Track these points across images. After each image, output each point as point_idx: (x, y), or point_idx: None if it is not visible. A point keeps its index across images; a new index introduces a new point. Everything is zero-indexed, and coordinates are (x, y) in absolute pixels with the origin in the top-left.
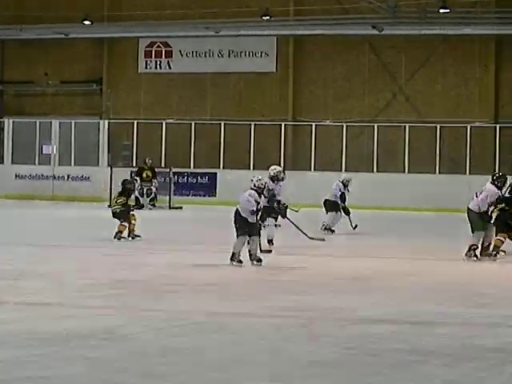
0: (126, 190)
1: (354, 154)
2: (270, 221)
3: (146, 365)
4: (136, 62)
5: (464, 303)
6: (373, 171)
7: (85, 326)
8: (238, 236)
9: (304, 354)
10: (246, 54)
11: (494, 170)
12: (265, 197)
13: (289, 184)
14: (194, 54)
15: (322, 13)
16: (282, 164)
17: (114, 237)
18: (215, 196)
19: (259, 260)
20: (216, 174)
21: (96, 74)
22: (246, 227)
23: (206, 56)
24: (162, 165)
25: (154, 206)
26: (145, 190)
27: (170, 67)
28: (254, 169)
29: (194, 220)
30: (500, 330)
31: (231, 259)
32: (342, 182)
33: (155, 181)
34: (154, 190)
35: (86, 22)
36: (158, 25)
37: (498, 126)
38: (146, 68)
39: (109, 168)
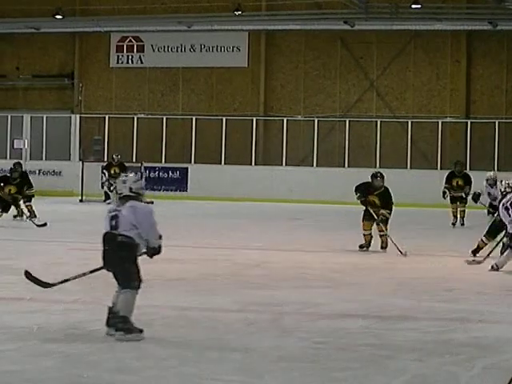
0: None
1: (326, 149)
2: None
3: (117, 359)
4: (108, 56)
5: (434, 298)
6: (344, 166)
7: (56, 321)
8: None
9: (274, 349)
10: (217, 49)
11: (466, 165)
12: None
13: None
14: (166, 48)
15: (294, 8)
16: (253, 159)
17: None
18: (186, 191)
19: None
20: (187, 168)
21: (67, 68)
22: None
23: (177, 51)
24: (134, 159)
25: None
26: (113, 185)
27: (141, 62)
28: (225, 163)
29: (164, 215)
30: (470, 324)
31: None
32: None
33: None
34: None
35: (58, 17)
36: (129, 19)
37: (469, 122)
38: (118, 62)
39: (80, 162)
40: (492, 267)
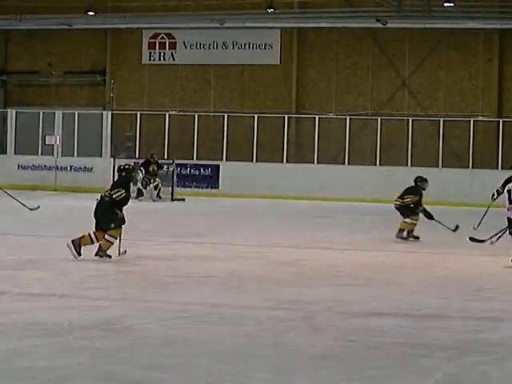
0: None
1: (357, 148)
2: None
3: (148, 356)
4: (140, 53)
5: (466, 297)
6: (375, 164)
7: (87, 317)
8: None
9: (305, 347)
10: (249, 46)
11: (497, 165)
12: None
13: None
14: (198, 45)
15: (326, 5)
16: (284, 156)
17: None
18: (218, 188)
19: None
20: (219, 165)
21: (100, 64)
22: None
23: (209, 48)
24: (165, 156)
25: (160, 197)
26: (151, 183)
27: (173, 58)
28: (256, 161)
29: (196, 212)
30: (502, 324)
31: None
32: None
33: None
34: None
35: (90, 13)
36: (162, 16)
37: (501, 121)
38: (150, 59)
39: (112, 159)
40: None
